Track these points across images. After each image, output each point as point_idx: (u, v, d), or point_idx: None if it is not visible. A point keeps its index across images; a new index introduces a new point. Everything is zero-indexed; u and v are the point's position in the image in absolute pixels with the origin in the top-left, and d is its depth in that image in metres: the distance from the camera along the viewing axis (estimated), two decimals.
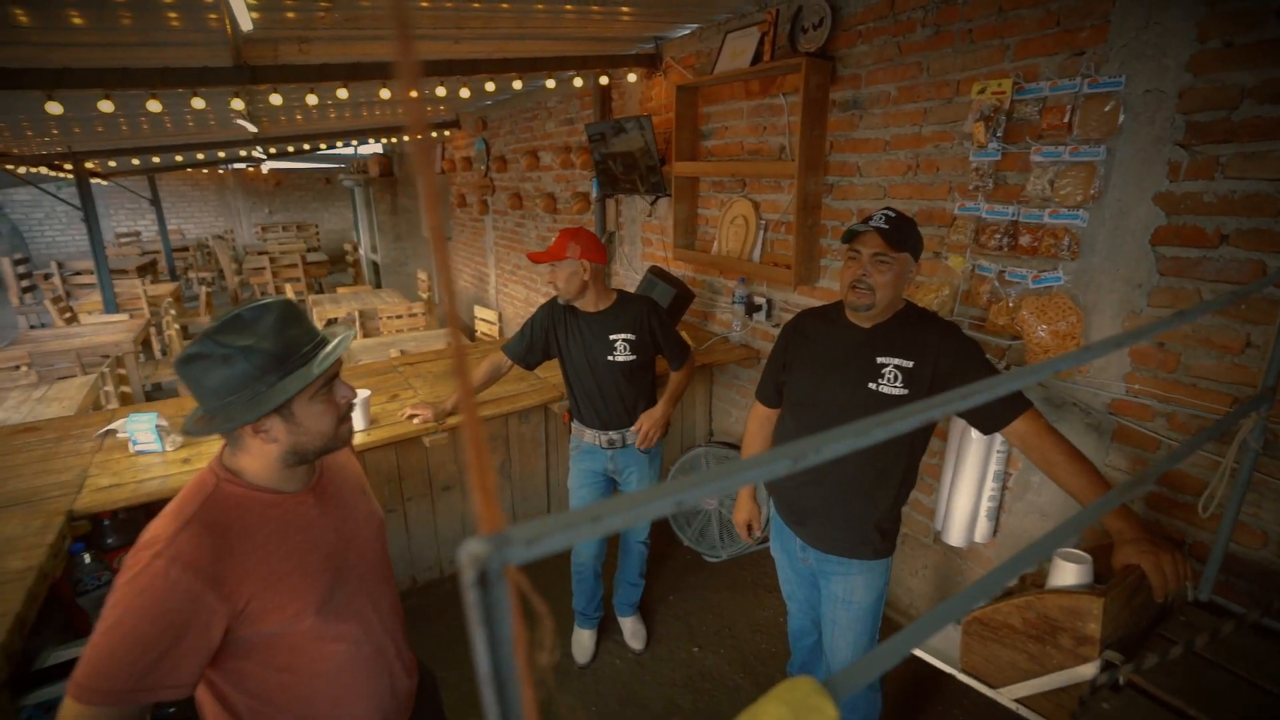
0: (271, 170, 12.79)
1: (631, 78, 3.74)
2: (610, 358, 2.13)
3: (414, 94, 0.25)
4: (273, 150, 7.50)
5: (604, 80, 3.95)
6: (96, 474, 1.95)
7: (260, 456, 1.01)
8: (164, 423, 2.12)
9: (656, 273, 3.27)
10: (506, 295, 6.45)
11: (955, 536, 2.21)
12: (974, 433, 2.09)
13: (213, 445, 2.14)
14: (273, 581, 0.97)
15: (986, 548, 2.32)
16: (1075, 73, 1.82)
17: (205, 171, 11.88)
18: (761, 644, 2.56)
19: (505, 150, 5.87)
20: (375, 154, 9.30)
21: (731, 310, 3.28)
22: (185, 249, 11.36)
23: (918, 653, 1.48)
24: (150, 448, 2.09)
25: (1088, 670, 1.16)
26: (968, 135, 2.06)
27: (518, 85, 3.68)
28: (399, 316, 5.12)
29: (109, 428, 2.25)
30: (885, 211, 1.47)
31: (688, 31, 3.34)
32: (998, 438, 2.07)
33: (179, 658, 0.89)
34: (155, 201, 9.60)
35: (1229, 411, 1.32)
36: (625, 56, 3.58)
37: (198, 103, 2.98)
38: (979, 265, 2.13)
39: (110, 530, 2.04)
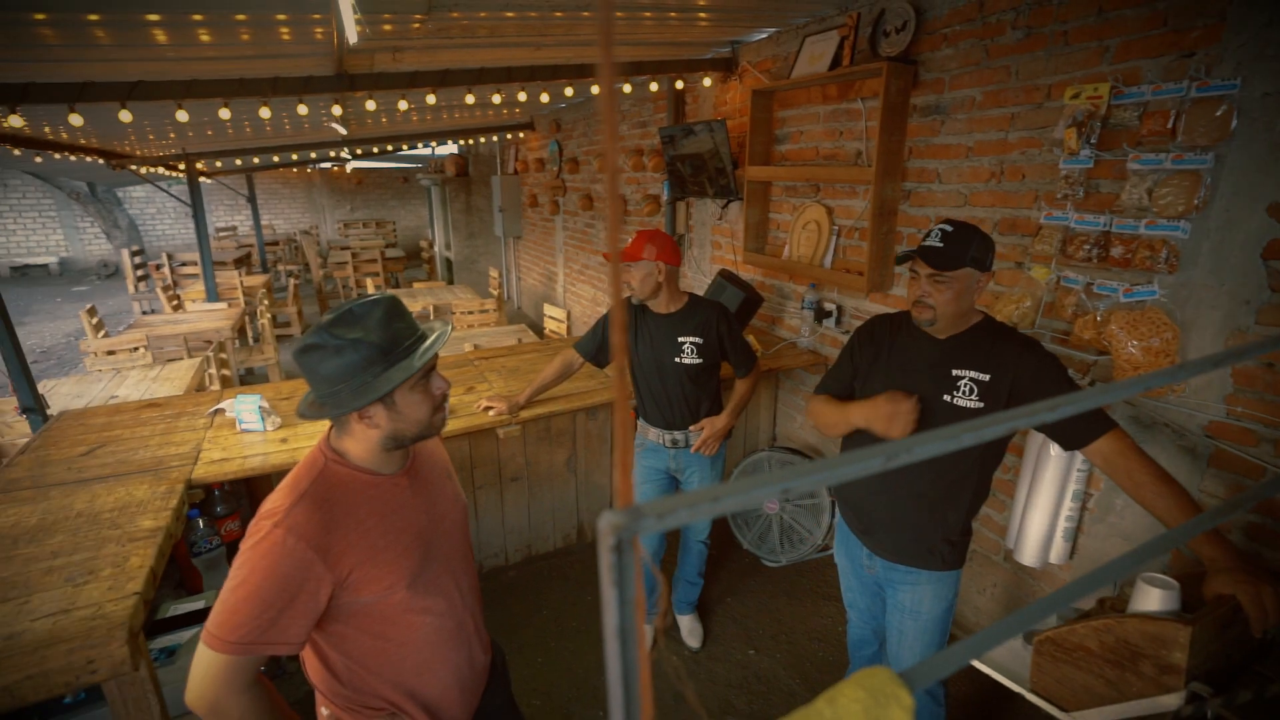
0: (354, 169, 13.51)
1: (706, 82, 3.76)
2: (677, 359, 2.17)
3: (599, 86, 0.29)
4: (359, 151, 7.93)
5: (679, 85, 3.99)
6: (209, 448, 2.14)
7: (363, 440, 1.10)
8: (265, 404, 2.31)
9: (726, 276, 3.28)
10: (574, 294, 6.60)
11: (1028, 556, 2.13)
12: (1053, 449, 2.02)
13: (306, 427, 2.31)
14: (372, 555, 1.06)
15: (1062, 570, 2.23)
16: (1182, 75, 1.72)
17: (295, 171, 12.69)
18: (819, 651, 2.54)
19: (578, 152, 6.01)
20: (451, 154, 9.68)
21: (800, 316, 3.26)
22: (275, 243, 12.14)
23: (986, 670, 1.45)
24: (254, 427, 2.28)
25: (1171, 700, 1.11)
26: (1058, 141, 1.98)
27: (595, 90, 3.78)
28: (471, 312, 5.32)
29: (218, 406, 2.46)
30: (941, 226, 1.45)
31: (764, 36, 3.34)
32: (1078, 455, 1.99)
33: (293, 617, 0.99)
34: (251, 199, 10.29)
35: None
36: (701, 61, 3.61)
37: (302, 109, 3.22)
38: (1065, 277, 2.05)
39: (219, 500, 2.24)
